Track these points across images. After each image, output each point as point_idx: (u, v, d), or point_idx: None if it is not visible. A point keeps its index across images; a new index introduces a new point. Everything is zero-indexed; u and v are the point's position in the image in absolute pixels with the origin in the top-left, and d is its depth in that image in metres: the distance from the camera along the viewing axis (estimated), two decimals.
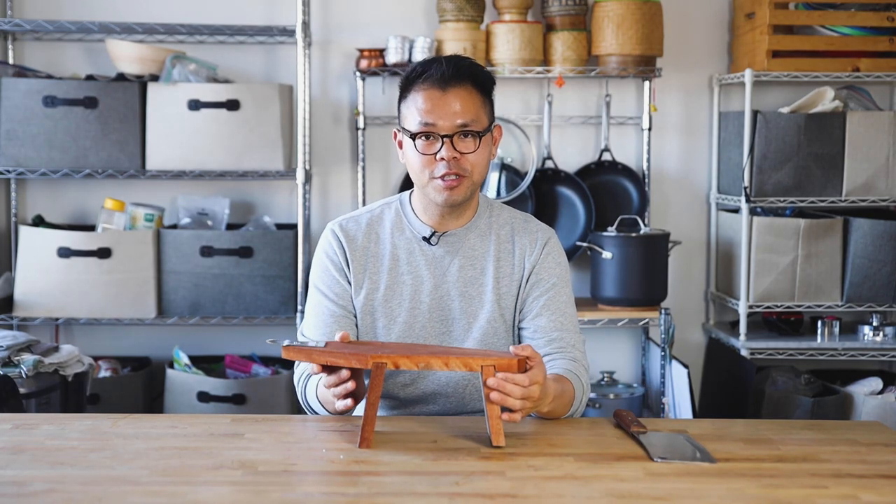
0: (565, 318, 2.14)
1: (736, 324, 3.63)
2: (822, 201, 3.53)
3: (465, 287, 2.11)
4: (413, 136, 2.03)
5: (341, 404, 1.89)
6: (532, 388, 1.83)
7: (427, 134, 2.01)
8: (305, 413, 2.15)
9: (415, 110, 2.03)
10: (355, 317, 2.14)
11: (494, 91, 2.12)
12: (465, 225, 2.13)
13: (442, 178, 2.02)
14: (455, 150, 2.01)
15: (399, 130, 2.09)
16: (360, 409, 2.05)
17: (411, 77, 2.05)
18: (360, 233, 2.14)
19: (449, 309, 2.11)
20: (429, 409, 2.14)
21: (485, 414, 1.85)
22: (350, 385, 1.85)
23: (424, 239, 2.12)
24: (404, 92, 2.07)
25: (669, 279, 3.59)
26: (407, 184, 3.64)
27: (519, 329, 2.16)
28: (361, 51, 3.60)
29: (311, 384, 2.08)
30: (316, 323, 2.12)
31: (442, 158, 2.01)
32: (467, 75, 2.04)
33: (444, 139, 2.00)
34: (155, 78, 3.50)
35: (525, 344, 1.92)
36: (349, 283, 2.12)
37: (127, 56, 3.52)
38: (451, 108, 2.01)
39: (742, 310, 3.54)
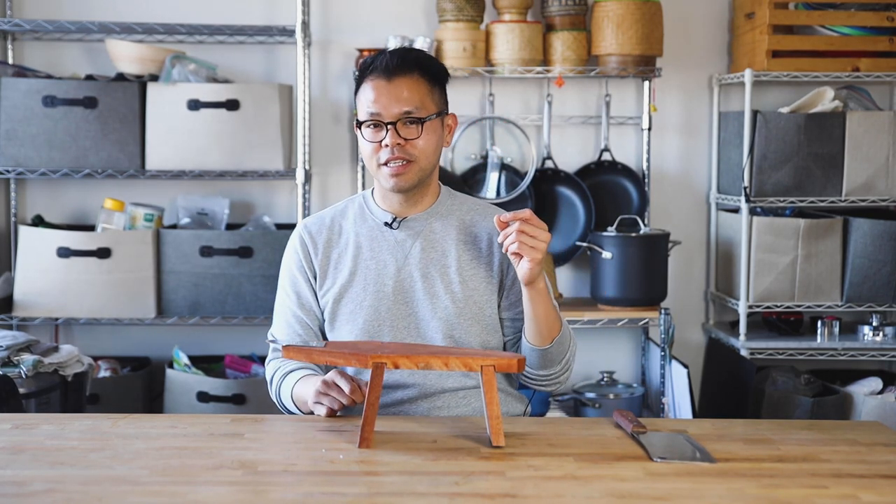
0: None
1: (736, 324, 3.62)
2: (822, 201, 3.53)
3: (427, 268, 2.14)
4: (360, 125, 2.11)
5: (320, 409, 2.01)
6: (538, 225, 1.96)
7: (373, 122, 2.09)
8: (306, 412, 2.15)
9: (364, 101, 2.11)
10: (319, 317, 2.19)
11: (448, 83, 2.19)
12: (425, 210, 2.19)
13: (387, 163, 2.09)
14: (399, 136, 2.07)
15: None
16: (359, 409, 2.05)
17: (362, 69, 2.13)
18: (323, 228, 2.21)
19: (412, 291, 2.14)
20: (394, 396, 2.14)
21: (485, 414, 1.85)
22: (344, 402, 1.97)
23: (386, 224, 2.17)
24: (358, 84, 2.15)
25: (669, 279, 3.59)
26: None
27: (502, 319, 2.18)
28: (361, 51, 3.60)
29: (287, 383, 2.13)
30: (281, 324, 2.20)
31: (387, 145, 2.07)
32: (413, 65, 2.11)
33: (389, 126, 2.07)
34: (155, 78, 3.50)
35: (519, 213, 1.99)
36: (314, 279, 2.19)
37: (127, 56, 3.52)
38: (396, 97, 2.08)
39: (742, 310, 3.54)
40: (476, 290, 2.14)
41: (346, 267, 2.16)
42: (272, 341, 2.15)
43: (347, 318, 2.14)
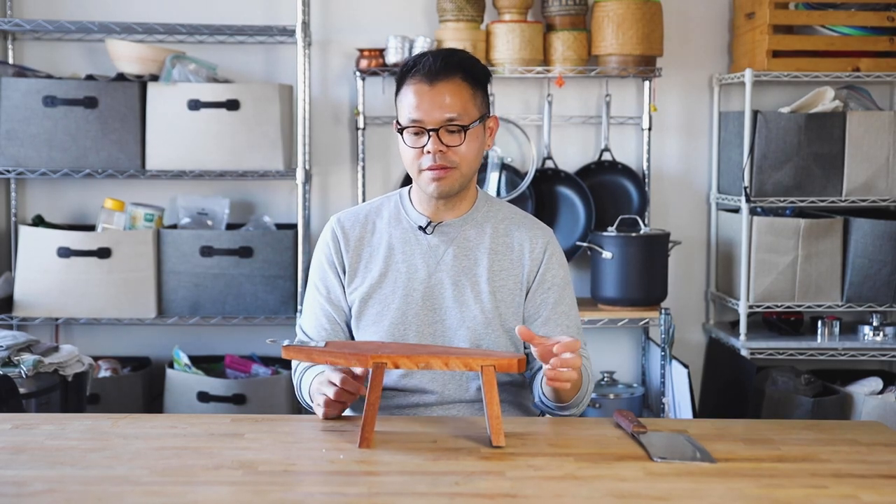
0: (570, 321, 2.17)
1: (736, 324, 3.63)
2: (823, 201, 3.53)
3: (458, 276, 2.13)
4: (402, 130, 2.08)
5: (319, 411, 1.98)
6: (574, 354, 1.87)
7: (414, 128, 2.06)
8: (305, 412, 2.16)
9: (405, 105, 2.08)
10: (347, 312, 2.18)
11: (490, 84, 2.16)
12: (460, 216, 2.17)
13: (429, 169, 2.06)
14: (441, 143, 2.05)
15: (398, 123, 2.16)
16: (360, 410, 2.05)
17: (404, 71, 2.10)
18: (357, 225, 2.20)
19: (441, 297, 2.13)
20: (412, 399, 2.14)
21: (485, 414, 1.85)
22: (349, 398, 1.95)
23: (420, 228, 2.16)
24: (399, 85, 2.12)
25: (669, 279, 3.59)
26: (406, 183, 3.64)
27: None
28: (361, 51, 3.60)
29: (307, 377, 2.12)
30: (309, 317, 2.19)
31: (429, 151, 2.05)
32: (457, 68, 2.07)
33: (431, 133, 2.05)
34: (155, 78, 3.50)
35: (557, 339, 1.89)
36: (343, 273, 2.17)
37: (127, 56, 3.52)
38: (438, 103, 2.05)
39: (742, 310, 3.54)
40: (503, 301, 2.13)
41: (376, 267, 2.15)
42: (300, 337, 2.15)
43: (374, 318, 2.13)
